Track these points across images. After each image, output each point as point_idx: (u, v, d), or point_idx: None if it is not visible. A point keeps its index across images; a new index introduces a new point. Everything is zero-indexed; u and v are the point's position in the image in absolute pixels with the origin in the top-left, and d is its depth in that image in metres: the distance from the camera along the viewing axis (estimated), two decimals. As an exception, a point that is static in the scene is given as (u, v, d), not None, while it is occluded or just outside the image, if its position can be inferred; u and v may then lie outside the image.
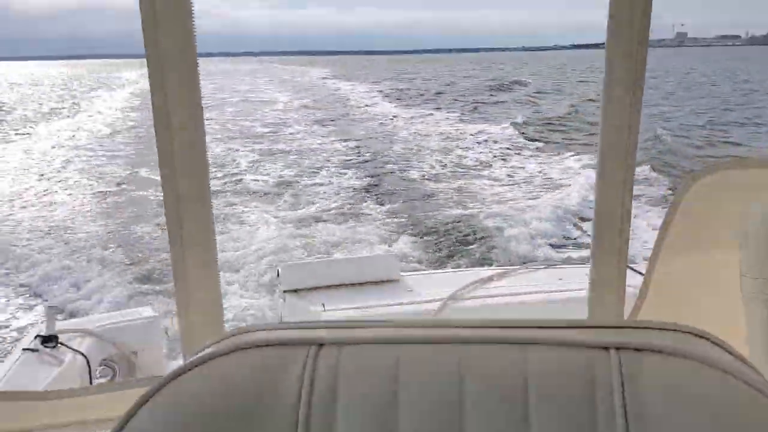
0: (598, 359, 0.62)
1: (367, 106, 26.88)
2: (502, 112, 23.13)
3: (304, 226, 8.50)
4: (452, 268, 6.58)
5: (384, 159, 13.99)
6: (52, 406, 1.49)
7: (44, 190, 11.37)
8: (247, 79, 49.65)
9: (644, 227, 7.75)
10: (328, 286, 2.70)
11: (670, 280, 1.63)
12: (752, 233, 1.39)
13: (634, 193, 1.54)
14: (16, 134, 19.89)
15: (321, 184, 11.36)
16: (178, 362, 0.87)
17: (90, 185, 11.69)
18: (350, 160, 13.93)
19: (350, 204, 9.82)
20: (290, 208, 9.52)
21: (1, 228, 8.78)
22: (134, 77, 49.79)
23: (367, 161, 13.75)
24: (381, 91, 34.57)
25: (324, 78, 49.73)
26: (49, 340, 2.18)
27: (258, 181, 11.68)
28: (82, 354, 2.20)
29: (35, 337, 2.20)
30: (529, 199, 10.18)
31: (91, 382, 2.18)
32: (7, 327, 5.63)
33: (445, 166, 13.33)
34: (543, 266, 3.06)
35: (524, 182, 11.75)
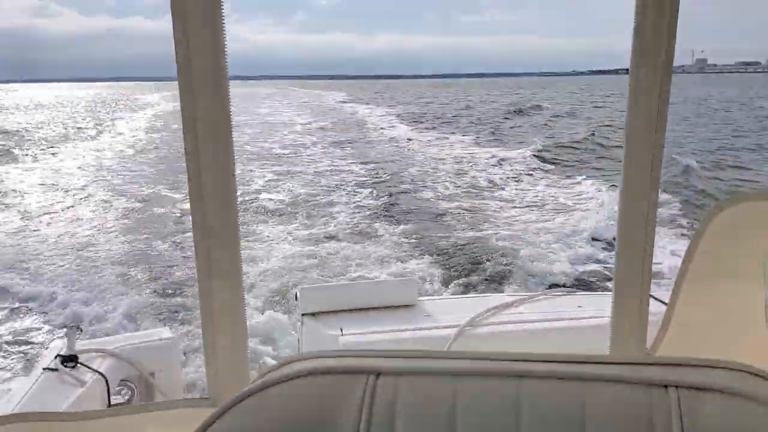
0: (656, 397, 0.62)
1: (382, 128, 27.23)
2: (518, 135, 23.22)
3: (317, 242, 8.68)
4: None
5: (399, 179, 14.17)
6: (78, 427, 1.48)
7: (69, 206, 11.71)
8: (267, 102, 50.42)
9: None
10: (346, 310, 2.70)
11: (693, 311, 1.62)
12: None
13: None
14: (44, 153, 20.47)
15: (337, 203, 11.57)
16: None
17: (112, 204, 12.00)
18: (366, 180, 14.17)
19: (366, 222, 10.00)
20: (304, 228, 9.72)
21: (29, 243, 9.09)
22: (156, 99, 50.75)
23: (383, 181, 13.96)
24: (398, 115, 34.85)
25: (342, 101, 50.33)
26: (69, 359, 2.17)
27: (273, 200, 11.92)
28: (101, 374, 2.18)
29: (55, 357, 2.20)
30: (547, 221, 10.19)
31: (109, 403, 2.16)
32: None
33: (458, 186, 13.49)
34: (561, 293, 3.01)
35: (555, 209, 11.53)
